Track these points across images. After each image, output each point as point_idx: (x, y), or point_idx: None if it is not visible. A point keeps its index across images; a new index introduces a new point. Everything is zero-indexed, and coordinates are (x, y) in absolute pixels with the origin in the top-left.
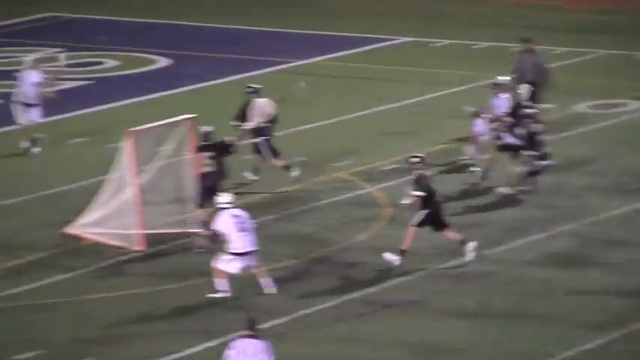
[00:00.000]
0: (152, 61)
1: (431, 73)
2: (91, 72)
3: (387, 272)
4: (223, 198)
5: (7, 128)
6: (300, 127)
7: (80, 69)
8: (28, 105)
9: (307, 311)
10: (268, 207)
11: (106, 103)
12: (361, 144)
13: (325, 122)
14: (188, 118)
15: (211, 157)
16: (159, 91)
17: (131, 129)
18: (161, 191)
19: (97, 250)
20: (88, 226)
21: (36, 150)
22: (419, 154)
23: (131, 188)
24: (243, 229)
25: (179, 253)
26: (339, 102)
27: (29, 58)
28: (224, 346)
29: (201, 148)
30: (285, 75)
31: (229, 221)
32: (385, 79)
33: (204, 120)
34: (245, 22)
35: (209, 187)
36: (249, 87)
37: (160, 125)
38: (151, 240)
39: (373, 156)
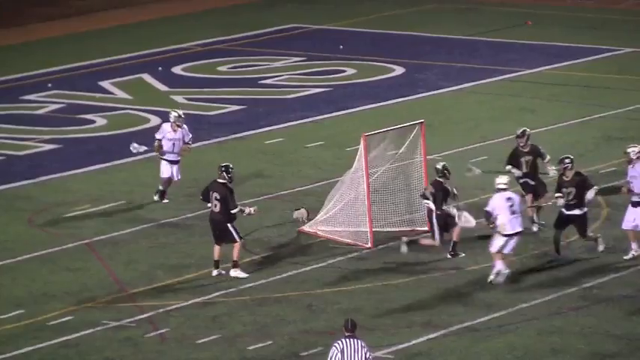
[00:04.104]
0: (388, 70)
1: None
2: (329, 80)
3: (602, 268)
4: (500, 179)
5: (247, 133)
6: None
7: (319, 77)
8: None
9: (525, 305)
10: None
11: (343, 109)
12: (583, 148)
13: (550, 127)
14: (418, 123)
15: None
16: (393, 98)
17: (366, 133)
18: (391, 192)
19: (328, 247)
20: (321, 224)
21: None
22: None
23: (363, 189)
24: (513, 212)
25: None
26: (564, 109)
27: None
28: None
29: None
30: (513, 84)
31: (502, 203)
32: (606, 88)
33: (436, 126)
34: (475, 33)
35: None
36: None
37: (392, 129)
38: (380, 238)
39: (594, 160)
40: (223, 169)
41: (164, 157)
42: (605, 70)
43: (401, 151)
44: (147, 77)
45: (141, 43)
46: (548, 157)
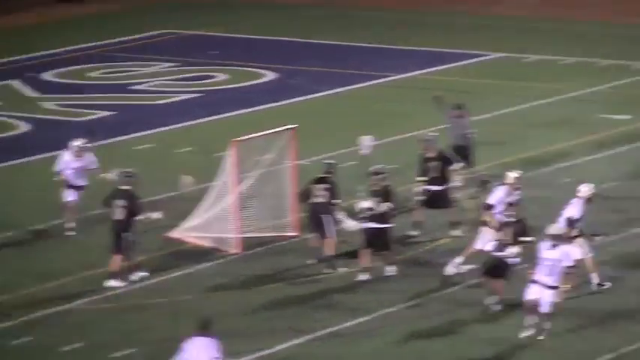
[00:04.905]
0: (260, 75)
1: (520, 86)
2: (200, 85)
3: (469, 273)
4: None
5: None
6: (400, 136)
7: (191, 82)
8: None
9: (391, 309)
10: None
11: (214, 114)
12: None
13: (422, 132)
14: (289, 129)
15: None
16: (265, 104)
17: (235, 139)
18: (261, 197)
19: (196, 252)
20: (189, 230)
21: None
22: None
23: (232, 195)
24: None
25: (274, 256)
26: (438, 114)
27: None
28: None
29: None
30: (387, 89)
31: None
32: (477, 92)
33: (308, 132)
34: (349, 38)
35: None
36: None
37: (262, 135)
38: (249, 243)
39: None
40: (125, 174)
41: (71, 185)
42: (478, 75)
43: (271, 156)
44: (16, 84)
45: (10, 49)
46: (456, 165)
